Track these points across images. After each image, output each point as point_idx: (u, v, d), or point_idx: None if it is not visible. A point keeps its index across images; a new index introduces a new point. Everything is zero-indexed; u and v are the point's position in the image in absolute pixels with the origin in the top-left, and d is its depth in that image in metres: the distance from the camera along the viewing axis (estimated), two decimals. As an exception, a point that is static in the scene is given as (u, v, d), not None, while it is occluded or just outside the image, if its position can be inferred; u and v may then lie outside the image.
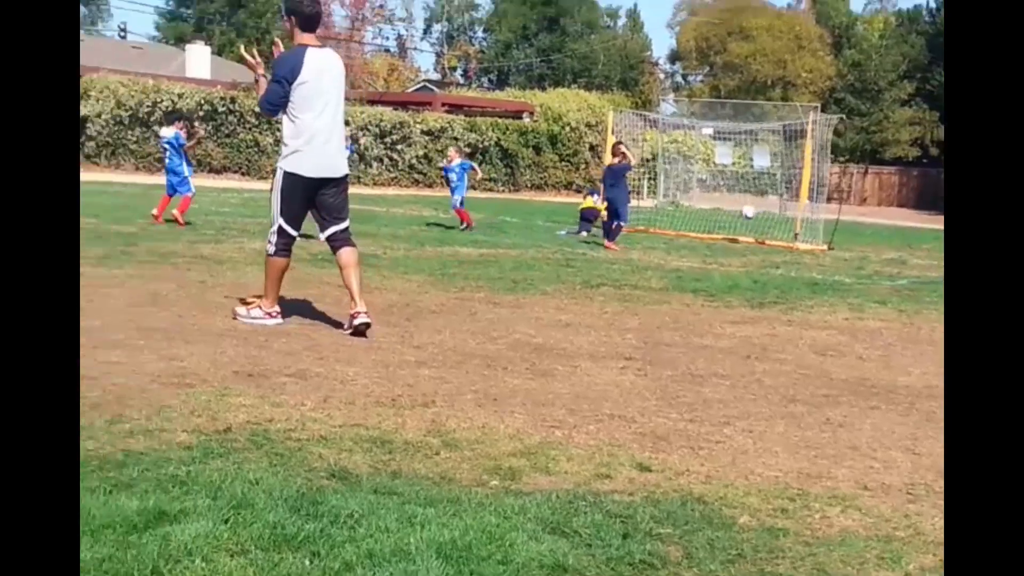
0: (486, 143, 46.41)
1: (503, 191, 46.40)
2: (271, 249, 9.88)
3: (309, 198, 9.84)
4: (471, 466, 5.76)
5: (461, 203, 23.44)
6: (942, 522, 5.31)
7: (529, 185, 47.75)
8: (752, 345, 10.36)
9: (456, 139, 45.78)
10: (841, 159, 32.97)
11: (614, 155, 22.33)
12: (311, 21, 9.79)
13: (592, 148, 49.67)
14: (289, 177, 9.72)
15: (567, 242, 21.68)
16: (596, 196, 25.69)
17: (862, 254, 22.82)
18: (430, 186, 44.68)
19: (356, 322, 9.52)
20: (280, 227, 9.80)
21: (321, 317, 10.32)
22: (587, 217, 24.88)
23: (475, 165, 26.90)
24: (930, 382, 8.91)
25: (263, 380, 7.46)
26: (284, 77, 9.55)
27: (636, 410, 7.34)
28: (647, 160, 37.27)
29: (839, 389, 8.46)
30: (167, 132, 20.58)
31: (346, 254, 9.95)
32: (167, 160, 20.10)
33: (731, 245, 23.95)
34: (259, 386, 7.27)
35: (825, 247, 23.60)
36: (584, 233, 23.92)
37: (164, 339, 8.65)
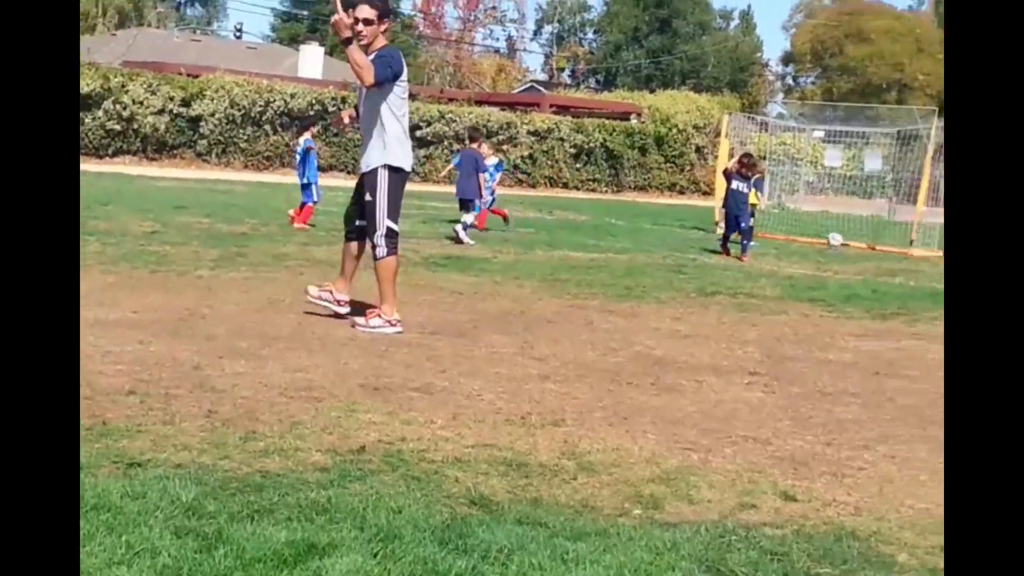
0: (592, 144, 46.23)
1: (606, 191, 46.19)
2: (382, 252, 9.83)
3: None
4: (611, 492, 5.61)
5: (491, 204, 22.43)
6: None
7: (632, 186, 47.47)
8: (879, 360, 10.08)
9: (563, 140, 45.62)
10: (954, 162, 32.24)
11: (746, 167, 20.95)
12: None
13: (698, 150, 49.27)
14: (396, 172, 9.74)
15: (676, 247, 21.41)
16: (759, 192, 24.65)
17: (979, 260, 22.24)
18: (534, 186, 44.61)
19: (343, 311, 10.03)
20: (389, 228, 9.79)
21: (437, 324, 10.23)
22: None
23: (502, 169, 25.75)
24: (1070, 403, 8.56)
25: (389, 394, 7.38)
26: (397, 72, 9.61)
27: (770, 431, 7.14)
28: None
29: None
30: (300, 139, 20.56)
31: (362, 246, 10.23)
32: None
33: (843, 250, 23.50)
34: (387, 401, 7.19)
35: (942, 254, 23.06)
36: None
37: (286, 348, 8.62)
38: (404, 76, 9.80)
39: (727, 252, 20.16)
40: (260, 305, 10.66)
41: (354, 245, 10.26)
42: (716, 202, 28.35)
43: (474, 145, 21.70)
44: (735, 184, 20.61)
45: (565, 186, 45.62)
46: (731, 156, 28.32)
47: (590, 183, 46.22)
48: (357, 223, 10.15)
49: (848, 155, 34.76)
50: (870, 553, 4.97)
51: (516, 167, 44.66)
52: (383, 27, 9.81)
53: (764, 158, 35.99)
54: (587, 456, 6.25)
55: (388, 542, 4.54)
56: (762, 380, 8.78)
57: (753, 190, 24.39)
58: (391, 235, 9.84)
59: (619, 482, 5.81)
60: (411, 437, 6.36)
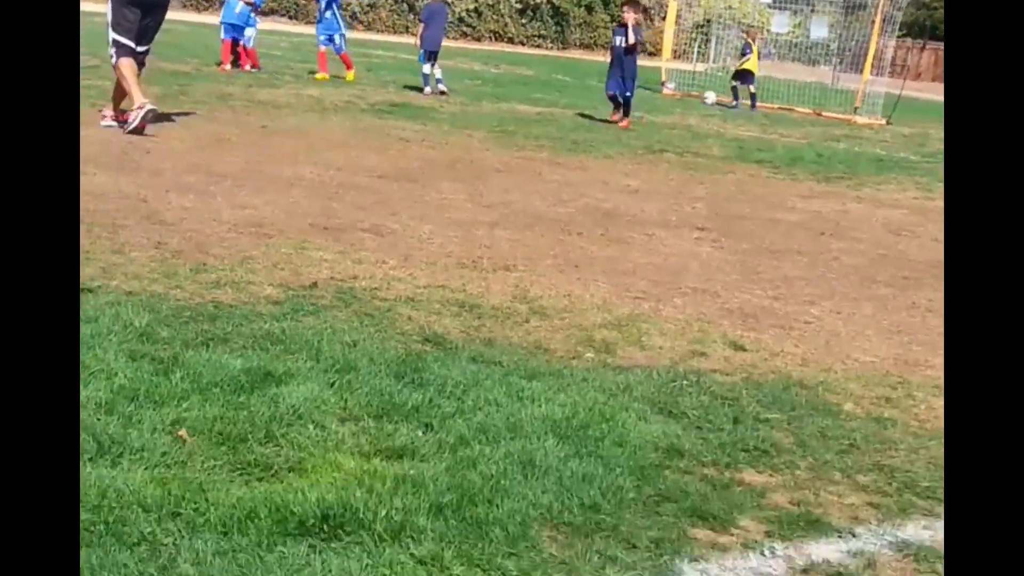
0: (538, 1, 45.49)
1: (552, 48, 45.63)
2: (114, 59, 10.84)
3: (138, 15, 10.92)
4: (564, 336, 5.63)
5: (337, 46, 20.14)
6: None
7: (578, 44, 46.91)
8: (825, 221, 10.14)
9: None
10: (899, 33, 32.12)
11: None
12: None
13: (645, 10, 48.62)
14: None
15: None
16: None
17: (922, 130, 22.33)
18: (479, 40, 43.98)
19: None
20: (114, 39, 10.83)
21: (386, 169, 10.13)
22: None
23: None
24: (1009, 269, 8.69)
25: (340, 234, 7.32)
26: None
27: (719, 284, 7.18)
28: (700, 25, 36.49)
29: (919, 271, 8.26)
30: None
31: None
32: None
33: (788, 115, 23.50)
34: (337, 240, 7.14)
35: (884, 121, 23.12)
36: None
37: (235, 185, 8.51)
38: None
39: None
40: (206, 143, 10.49)
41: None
42: (662, 62, 28.17)
43: None
44: (617, 40, 17.92)
45: (510, 41, 44.99)
46: (678, 18, 28.06)
47: (535, 39, 45.57)
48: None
49: (795, 22, 34.48)
50: (817, 401, 5.05)
51: (461, 20, 43.95)
52: None
53: (710, 22, 35.72)
54: (539, 301, 6.26)
55: (344, 373, 4.54)
56: (711, 236, 8.81)
57: (752, 55, 24.23)
58: (117, 44, 10.76)
59: (571, 327, 5.83)
60: (363, 276, 6.33)
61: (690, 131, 17.40)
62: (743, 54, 24.72)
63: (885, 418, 4.93)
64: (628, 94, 17.38)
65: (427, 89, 18.34)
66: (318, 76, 18.73)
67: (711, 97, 24.30)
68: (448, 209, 8.64)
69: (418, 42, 19.09)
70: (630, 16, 17.68)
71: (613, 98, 17.42)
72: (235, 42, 19.30)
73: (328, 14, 19.73)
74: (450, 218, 8.29)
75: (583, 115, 17.71)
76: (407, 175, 9.98)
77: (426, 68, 18.55)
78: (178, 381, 4.22)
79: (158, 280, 5.73)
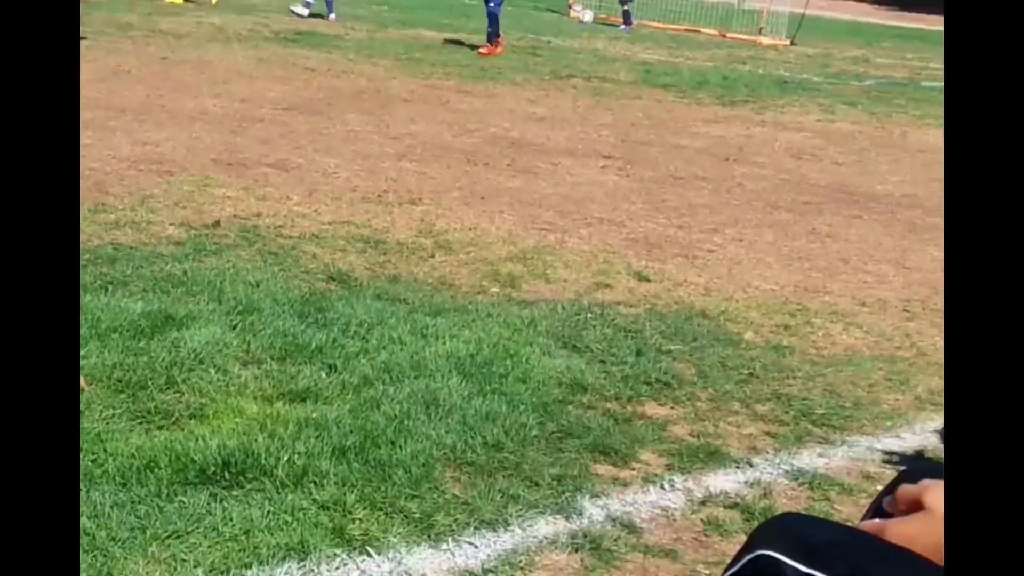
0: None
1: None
2: None
3: None
4: (469, 271, 5.65)
5: None
6: (942, 342, 5.31)
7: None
8: (728, 146, 10.23)
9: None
10: (805, -49, 32.27)
11: None
12: None
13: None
14: None
15: (532, 28, 21.14)
16: None
17: (825, 51, 22.51)
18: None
19: None
20: None
21: (291, 101, 10.01)
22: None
23: None
24: (908, 190, 8.87)
25: (244, 170, 7.24)
26: None
27: (624, 214, 7.23)
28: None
29: (820, 196, 8.38)
30: None
31: None
32: None
33: (694, 36, 23.53)
34: (241, 176, 7.06)
35: (788, 42, 23.25)
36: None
37: (134, 120, 8.37)
38: None
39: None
40: (104, 75, 10.26)
41: None
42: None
43: None
44: None
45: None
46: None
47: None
48: None
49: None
50: (718, 331, 5.13)
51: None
52: None
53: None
54: (444, 235, 6.27)
55: (247, 315, 4.52)
56: (616, 164, 8.85)
57: None
58: None
59: (477, 261, 5.85)
60: (267, 213, 6.28)
61: (597, 55, 17.35)
62: None
63: (784, 346, 5.03)
64: (492, 6, 15.35)
65: (332, 16, 17.96)
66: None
67: (588, 15, 24.19)
68: (354, 141, 8.58)
69: None
70: None
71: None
72: None
73: None
74: (356, 151, 8.23)
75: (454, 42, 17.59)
76: (312, 106, 9.88)
77: None
78: (76, 328, 4.17)
79: (56, 222, 5.63)
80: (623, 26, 23.30)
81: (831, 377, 4.69)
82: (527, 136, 9.64)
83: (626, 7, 23.46)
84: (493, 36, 15.51)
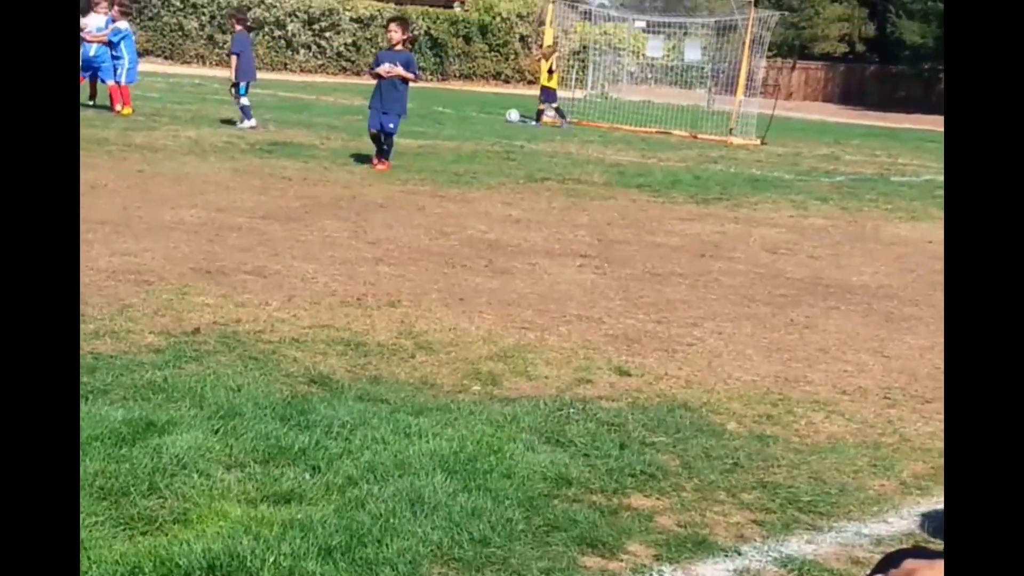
0: (416, 32, 45.58)
1: (431, 80, 45.75)
2: None
3: None
4: (450, 370, 5.65)
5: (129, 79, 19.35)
6: (925, 427, 5.34)
7: (458, 75, 47.13)
8: (703, 243, 10.32)
9: (386, 27, 44.76)
10: (769, 53, 32.83)
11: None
12: None
13: (522, 39, 49.00)
14: None
15: (504, 133, 21.41)
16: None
17: (795, 149, 22.85)
18: (358, 74, 43.90)
19: None
20: None
21: (268, 210, 10.07)
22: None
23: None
24: (883, 281, 8.95)
25: (222, 278, 7.26)
26: None
27: (603, 311, 7.27)
28: (576, 52, 36.92)
29: (796, 289, 8.45)
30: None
31: None
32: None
33: (666, 138, 23.86)
34: (219, 284, 7.08)
35: (758, 141, 23.59)
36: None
37: (113, 232, 8.39)
38: None
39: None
40: (82, 190, 10.26)
41: None
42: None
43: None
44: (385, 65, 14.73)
45: (390, 74, 45.05)
46: (555, 46, 28.33)
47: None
48: None
49: (668, 45, 35.07)
50: (701, 422, 5.13)
51: (339, 55, 43.86)
52: None
53: (587, 48, 36.14)
54: (425, 335, 6.28)
55: (229, 419, 4.50)
56: (593, 262, 8.92)
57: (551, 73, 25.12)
58: None
59: (457, 360, 5.85)
60: (246, 319, 6.29)
61: (570, 158, 17.56)
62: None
63: (767, 435, 5.03)
64: (391, 127, 14.41)
65: (250, 123, 17.84)
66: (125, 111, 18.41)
67: (513, 115, 24.78)
68: (331, 247, 8.62)
69: (234, 75, 18.43)
70: (397, 35, 14.92)
71: (375, 137, 14.44)
72: (94, 77, 18.92)
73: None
74: (333, 256, 8.27)
75: (355, 156, 17.75)
76: (289, 214, 9.94)
77: (244, 100, 18.04)
78: (57, 437, 4.15)
79: (35, 333, 5.62)
80: (563, 123, 24.18)
81: (816, 464, 4.69)
82: (504, 238, 9.71)
83: (555, 105, 25.00)
84: (389, 153, 14.44)
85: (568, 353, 6.18)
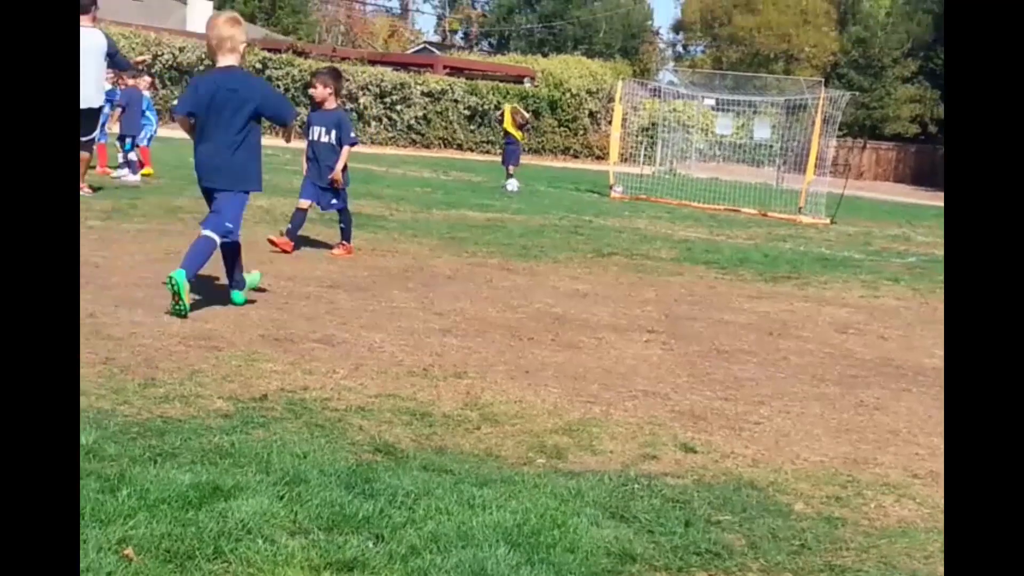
0: (486, 106, 46.08)
1: (500, 154, 46.16)
2: None
3: None
4: (515, 443, 5.64)
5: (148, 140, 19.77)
6: (997, 515, 5.22)
7: (526, 149, 47.47)
8: (772, 321, 10.25)
9: (456, 101, 45.32)
10: (840, 133, 32.77)
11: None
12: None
13: (592, 114, 49.38)
14: None
15: (573, 208, 21.49)
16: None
17: (866, 229, 22.71)
18: (427, 147, 44.40)
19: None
20: None
21: (336, 279, 10.16)
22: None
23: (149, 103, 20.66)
24: (955, 365, 8.80)
25: (291, 345, 7.32)
26: None
27: (669, 387, 7.23)
28: (645, 129, 37.10)
29: (866, 370, 8.35)
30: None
31: None
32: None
33: (734, 216, 23.82)
34: (288, 351, 7.13)
35: (828, 221, 23.49)
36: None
37: (184, 299, 8.48)
38: None
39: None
40: (156, 256, 10.48)
41: None
42: (610, 166, 28.51)
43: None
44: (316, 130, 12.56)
45: (459, 147, 45.43)
46: (624, 121, 28.50)
47: (484, 145, 46.04)
48: None
49: (738, 123, 35.16)
50: (768, 502, 5.07)
51: (410, 128, 44.40)
52: None
53: (656, 125, 36.31)
54: (490, 407, 6.27)
55: (294, 486, 4.52)
56: (660, 338, 8.88)
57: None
58: None
59: (522, 432, 5.84)
60: (313, 386, 6.33)
61: (638, 234, 17.58)
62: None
63: (835, 517, 4.96)
64: (335, 204, 12.39)
65: (135, 177, 18.11)
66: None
67: (512, 184, 24.50)
68: (399, 317, 8.67)
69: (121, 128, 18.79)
70: (320, 91, 12.48)
71: (304, 212, 12.26)
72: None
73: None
74: (401, 326, 8.31)
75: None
76: (357, 284, 10.02)
77: (132, 155, 18.50)
78: (125, 498, 4.19)
79: (106, 396, 5.70)
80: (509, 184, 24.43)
81: (885, 549, 4.61)
82: (571, 312, 9.71)
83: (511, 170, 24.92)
84: (348, 233, 12.41)
85: (634, 428, 6.14)
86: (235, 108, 8.28)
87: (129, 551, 3.77)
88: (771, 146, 33.66)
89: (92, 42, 13.09)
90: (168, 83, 39.79)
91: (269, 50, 42.87)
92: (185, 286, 7.78)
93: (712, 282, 12.69)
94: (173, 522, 4.02)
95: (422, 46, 78.70)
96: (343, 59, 46.97)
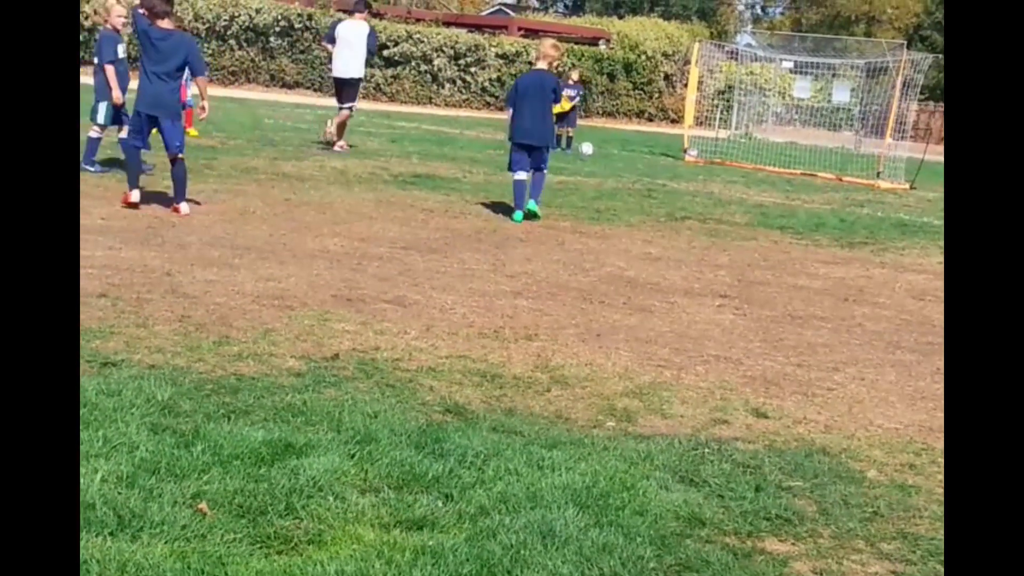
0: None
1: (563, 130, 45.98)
2: None
3: None
4: (585, 405, 5.63)
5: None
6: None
7: (601, 112, 47.24)
8: (848, 287, 10.13)
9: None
10: (921, 97, 32.15)
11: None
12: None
13: (667, 77, 48.95)
14: None
15: (646, 172, 21.35)
16: None
17: (945, 195, 22.31)
18: (501, 109, 44.27)
19: None
20: None
21: (409, 240, 10.19)
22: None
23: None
24: (1034, 333, 8.65)
25: (362, 305, 7.36)
26: None
27: (741, 352, 7.17)
28: (721, 92, 36.73)
29: (943, 337, 8.21)
30: None
31: None
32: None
33: (811, 180, 23.53)
34: (359, 311, 7.18)
35: (907, 186, 23.12)
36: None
37: (258, 258, 8.57)
38: None
39: None
40: (231, 217, 10.58)
41: None
42: (684, 129, 28.28)
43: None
44: None
45: (533, 110, 45.29)
46: (700, 85, 28.22)
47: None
48: None
49: (816, 87, 34.68)
50: (840, 469, 5.02)
51: (484, 90, 44.33)
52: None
53: (732, 88, 35.91)
54: (560, 370, 6.27)
55: (365, 444, 4.55)
56: (733, 303, 8.82)
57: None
58: None
59: (592, 395, 5.83)
60: (385, 347, 6.36)
61: (712, 198, 17.43)
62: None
63: (909, 485, 4.90)
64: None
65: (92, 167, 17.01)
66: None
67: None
68: (470, 279, 8.68)
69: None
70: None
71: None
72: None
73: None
74: (472, 288, 8.32)
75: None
76: (430, 245, 10.04)
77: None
78: (199, 454, 4.24)
79: (181, 353, 5.77)
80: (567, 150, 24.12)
81: (959, 517, 4.54)
82: (643, 276, 9.66)
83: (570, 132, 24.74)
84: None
85: (705, 393, 6.11)
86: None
87: (203, 505, 3.82)
88: (850, 110, 33.20)
89: (361, 31, 18.98)
90: (244, 44, 40.05)
91: (343, 11, 42.98)
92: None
93: (786, 247, 12.56)
94: (246, 478, 4.07)
95: (497, 7, 78.27)
96: (417, 20, 47.01)
